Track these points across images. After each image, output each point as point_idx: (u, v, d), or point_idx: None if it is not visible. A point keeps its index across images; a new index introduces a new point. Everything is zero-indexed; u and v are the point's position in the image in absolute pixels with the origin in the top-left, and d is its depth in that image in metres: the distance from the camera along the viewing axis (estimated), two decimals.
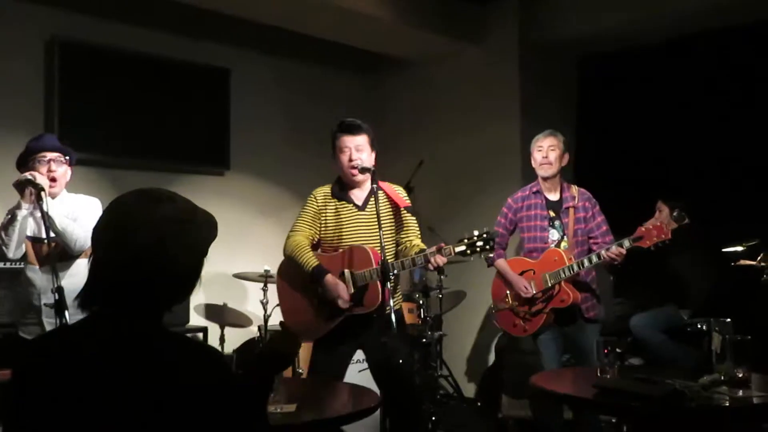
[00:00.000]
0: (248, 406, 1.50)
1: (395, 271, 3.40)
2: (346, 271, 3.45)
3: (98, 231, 1.51)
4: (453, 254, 3.32)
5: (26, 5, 5.02)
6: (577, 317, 3.91)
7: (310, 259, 3.45)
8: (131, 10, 5.41)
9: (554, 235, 3.97)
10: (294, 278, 3.59)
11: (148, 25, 5.53)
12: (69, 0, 5.15)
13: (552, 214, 4.00)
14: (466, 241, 3.32)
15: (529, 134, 5.92)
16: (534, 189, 4.08)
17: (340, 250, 3.52)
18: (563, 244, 3.93)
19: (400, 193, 3.66)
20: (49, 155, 3.36)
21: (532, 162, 4.09)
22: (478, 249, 3.31)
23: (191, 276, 1.53)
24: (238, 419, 1.42)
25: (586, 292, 3.92)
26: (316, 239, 3.60)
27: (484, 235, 3.30)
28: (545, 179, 4.03)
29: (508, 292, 4.03)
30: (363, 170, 3.50)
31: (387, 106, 6.85)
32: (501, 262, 4.07)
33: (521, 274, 3.98)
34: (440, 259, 3.30)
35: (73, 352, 1.41)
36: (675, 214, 3.56)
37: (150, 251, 1.45)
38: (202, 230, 1.55)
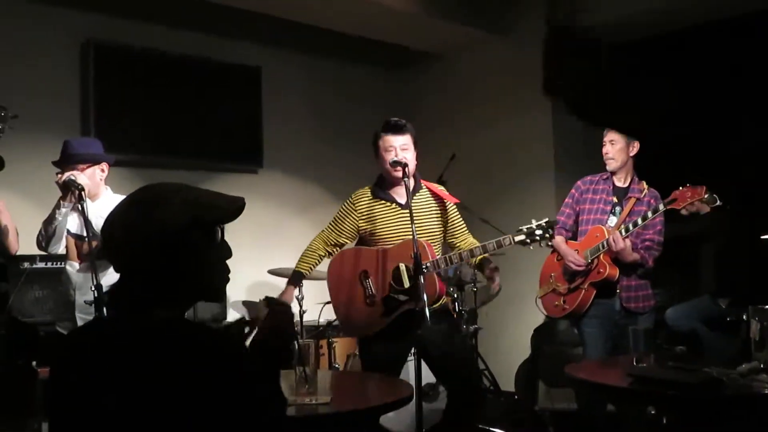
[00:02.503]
0: (261, 389, 1.51)
1: (441, 270, 3.48)
2: (401, 264, 3.46)
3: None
4: (513, 243, 3.43)
5: (62, 9, 5.13)
6: (618, 299, 3.86)
7: (298, 264, 3.65)
8: (163, 12, 5.48)
9: (613, 221, 3.92)
10: (346, 273, 3.59)
11: (179, 26, 5.60)
12: (103, 3, 5.24)
13: (615, 200, 3.96)
14: (524, 230, 3.42)
15: (560, 123, 5.93)
16: (605, 176, 4.04)
17: (394, 245, 3.53)
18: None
19: (444, 191, 3.71)
20: (67, 169, 3.43)
21: None
22: (537, 237, 3.41)
23: (160, 254, 1.49)
24: (251, 403, 1.45)
25: (629, 280, 3.87)
26: (341, 242, 3.66)
27: (543, 224, 3.41)
28: (611, 172, 3.99)
29: (552, 273, 4.02)
30: (394, 163, 3.52)
31: (417, 100, 6.85)
32: (558, 239, 4.03)
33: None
34: (495, 286, 3.63)
35: (97, 345, 1.47)
36: (706, 196, 3.51)
37: (110, 232, 1.52)
38: (167, 208, 1.51)
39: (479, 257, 3.62)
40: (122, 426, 1.38)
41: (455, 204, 3.74)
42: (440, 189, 3.70)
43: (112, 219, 1.54)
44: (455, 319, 3.43)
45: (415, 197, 3.59)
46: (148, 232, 1.48)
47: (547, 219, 3.43)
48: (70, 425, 1.45)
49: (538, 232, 3.40)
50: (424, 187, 3.68)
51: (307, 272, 3.65)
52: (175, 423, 1.37)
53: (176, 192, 1.54)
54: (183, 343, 1.44)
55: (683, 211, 3.66)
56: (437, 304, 3.45)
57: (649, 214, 3.70)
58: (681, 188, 3.59)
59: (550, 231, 3.40)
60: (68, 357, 1.50)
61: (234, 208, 1.58)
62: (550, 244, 3.89)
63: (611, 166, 3.96)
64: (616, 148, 3.94)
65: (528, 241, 3.42)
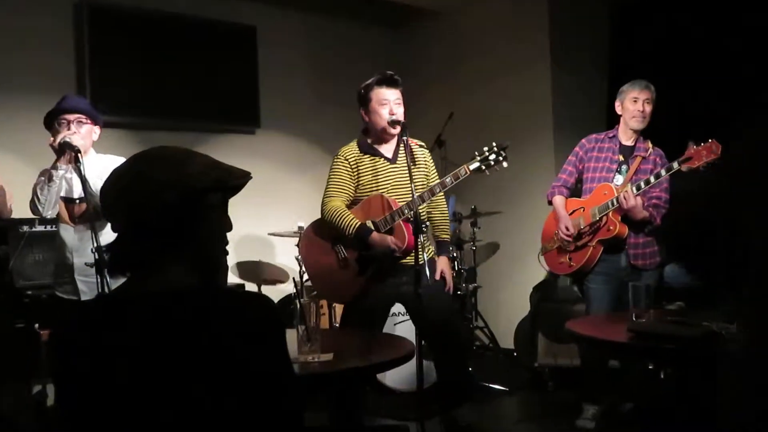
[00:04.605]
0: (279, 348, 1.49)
1: (422, 204, 3.45)
2: (368, 221, 3.47)
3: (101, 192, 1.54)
4: (469, 173, 3.39)
5: None
6: (625, 255, 3.87)
7: (351, 221, 3.45)
8: None
9: (619, 180, 3.90)
10: (318, 243, 3.62)
11: None
12: None
13: (621, 158, 3.94)
14: (478, 157, 3.38)
15: (559, 83, 5.88)
16: (611, 134, 4.01)
17: (359, 204, 3.55)
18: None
19: (422, 147, 3.71)
20: (69, 117, 3.39)
21: (619, 110, 3.97)
22: (492, 162, 3.37)
23: (177, 212, 1.45)
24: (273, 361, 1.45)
25: (637, 237, 3.87)
26: (351, 200, 3.61)
27: (495, 147, 3.36)
28: (634, 130, 3.93)
29: (556, 231, 4.03)
30: (394, 123, 3.50)
31: (416, 58, 6.78)
32: (558, 199, 4.04)
33: (572, 213, 3.96)
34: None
35: (116, 316, 1.43)
36: (720, 154, 3.49)
37: (124, 188, 1.46)
38: (186, 166, 1.48)
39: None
40: (157, 392, 1.36)
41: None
42: (411, 140, 3.65)
43: (122, 174, 1.49)
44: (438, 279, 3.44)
45: (401, 152, 3.60)
46: (173, 187, 1.44)
47: (497, 142, 3.39)
48: (98, 396, 1.39)
49: (492, 156, 3.36)
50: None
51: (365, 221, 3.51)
52: (208, 387, 1.36)
53: (194, 154, 1.53)
54: (222, 310, 1.42)
55: (683, 168, 3.64)
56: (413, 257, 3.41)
57: (663, 172, 3.66)
58: (695, 147, 3.55)
59: (503, 153, 3.36)
60: (92, 328, 1.43)
61: (245, 181, 1.56)
62: (505, 165, 3.61)
63: (641, 125, 3.90)
64: (650, 108, 3.89)
65: (483, 167, 3.38)
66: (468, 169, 3.38)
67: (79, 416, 1.41)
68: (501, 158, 3.36)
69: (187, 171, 1.47)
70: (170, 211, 1.44)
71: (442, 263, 3.65)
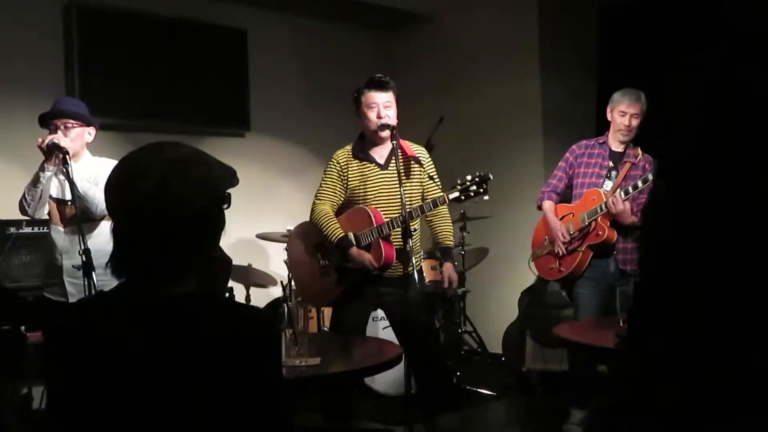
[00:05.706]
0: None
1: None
2: (350, 233, 3.47)
3: (106, 190, 1.44)
4: (448, 201, 3.35)
5: None
6: (614, 260, 3.89)
7: (335, 230, 3.45)
8: None
9: (608, 185, 3.93)
10: (303, 248, 3.66)
11: None
12: None
13: (611, 164, 3.97)
14: (459, 186, 3.33)
15: (548, 87, 5.90)
16: (601, 140, 4.04)
17: (344, 214, 3.55)
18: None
19: (420, 154, 3.65)
20: (59, 122, 3.37)
21: (609, 117, 3.99)
22: (471, 193, 3.30)
23: (206, 220, 1.41)
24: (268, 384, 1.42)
25: (626, 242, 3.89)
26: (341, 203, 3.61)
27: (477, 178, 3.30)
28: (621, 142, 3.96)
29: (546, 236, 4.05)
30: (383, 127, 3.49)
31: (406, 63, 6.78)
32: (548, 205, 4.06)
33: (561, 218, 3.99)
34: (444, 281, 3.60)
35: (109, 320, 1.39)
36: None
37: (154, 192, 1.36)
38: (213, 170, 1.43)
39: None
40: (143, 402, 1.33)
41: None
42: (414, 151, 3.62)
43: (143, 177, 1.38)
44: (425, 286, 3.44)
45: (393, 158, 3.56)
46: (206, 193, 1.39)
47: (480, 172, 3.32)
48: (87, 400, 1.36)
49: (473, 187, 3.30)
50: (401, 148, 3.63)
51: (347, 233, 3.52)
52: (199, 404, 1.33)
53: (203, 152, 1.47)
54: (225, 321, 1.38)
55: None
56: (393, 271, 3.46)
57: (650, 176, 3.69)
58: None
59: (485, 185, 3.30)
60: (87, 328, 1.39)
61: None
62: (486, 198, 3.61)
63: (626, 139, 3.93)
64: (637, 122, 3.91)
65: (462, 197, 3.33)
66: (447, 198, 3.35)
67: (70, 416, 1.39)
68: (481, 190, 3.30)
69: (215, 174, 1.43)
70: (201, 217, 1.39)
71: (447, 269, 3.64)
